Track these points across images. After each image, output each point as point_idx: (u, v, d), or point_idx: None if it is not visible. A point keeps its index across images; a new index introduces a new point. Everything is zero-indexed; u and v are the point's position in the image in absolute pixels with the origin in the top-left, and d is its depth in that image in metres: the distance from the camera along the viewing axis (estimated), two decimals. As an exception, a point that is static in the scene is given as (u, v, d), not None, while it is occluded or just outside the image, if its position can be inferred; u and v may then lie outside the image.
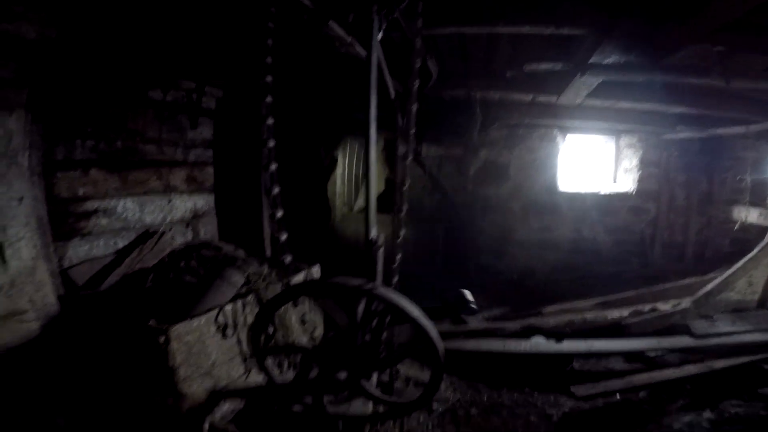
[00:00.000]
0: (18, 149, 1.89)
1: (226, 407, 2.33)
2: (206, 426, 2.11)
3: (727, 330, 2.94)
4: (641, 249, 4.69)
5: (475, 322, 4.26)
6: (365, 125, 1.93)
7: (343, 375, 2.21)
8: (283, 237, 1.85)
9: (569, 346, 3.34)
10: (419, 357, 3.63)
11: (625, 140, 4.84)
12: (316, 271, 3.17)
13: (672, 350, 2.93)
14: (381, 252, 2.14)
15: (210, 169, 3.36)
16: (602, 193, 4.83)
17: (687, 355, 2.86)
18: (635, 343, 3.15)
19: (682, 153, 4.65)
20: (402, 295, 1.76)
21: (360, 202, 5.52)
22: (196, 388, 2.20)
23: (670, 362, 2.85)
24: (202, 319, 2.22)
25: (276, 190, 2.00)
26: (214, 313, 2.29)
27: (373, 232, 2.05)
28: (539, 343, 3.47)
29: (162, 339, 2.10)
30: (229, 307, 2.39)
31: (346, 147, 5.31)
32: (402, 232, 2.31)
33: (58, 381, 2.03)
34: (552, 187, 5.02)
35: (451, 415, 2.81)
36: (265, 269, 3.10)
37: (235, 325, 2.49)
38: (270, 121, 1.99)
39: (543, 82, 3.54)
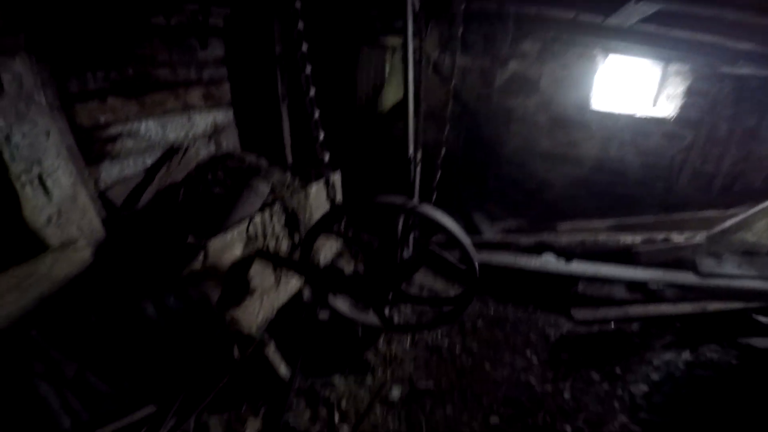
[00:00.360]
0: (32, 89, 1.86)
1: (260, 318, 2.63)
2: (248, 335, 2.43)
3: (731, 273, 3.00)
4: (668, 174, 4.54)
5: (489, 234, 4.41)
6: (404, 45, 1.75)
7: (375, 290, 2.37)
8: (326, 157, 1.85)
9: (577, 267, 3.48)
10: (434, 267, 3.88)
11: (674, 67, 4.31)
12: (337, 178, 3.21)
13: (673, 285, 3.06)
14: (419, 169, 2.14)
15: (226, 85, 3.23)
16: (638, 115, 4.50)
17: (686, 292, 2.99)
18: (640, 272, 3.27)
19: (735, 87, 4.15)
20: (443, 213, 1.78)
21: (379, 109, 5.32)
22: (232, 300, 2.44)
23: (668, 297, 3.00)
24: (235, 231, 2.31)
25: (317, 114, 1.91)
26: (244, 224, 2.37)
27: (411, 150, 2.03)
28: (549, 262, 3.60)
29: (201, 255, 2.29)
30: (258, 218, 2.45)
31: (364, 56, 4.90)
32: (443, 151, 2.23)
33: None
34: (584, 104, 4.71)
35: (459, 325, 3.11)
36: (288, 177, 3.16)
37: (265, 235, 2.58)
38: (304, 47, 1.82)
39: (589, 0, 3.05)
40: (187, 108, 2.94)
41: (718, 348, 2.21)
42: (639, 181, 4.77)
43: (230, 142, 3.38)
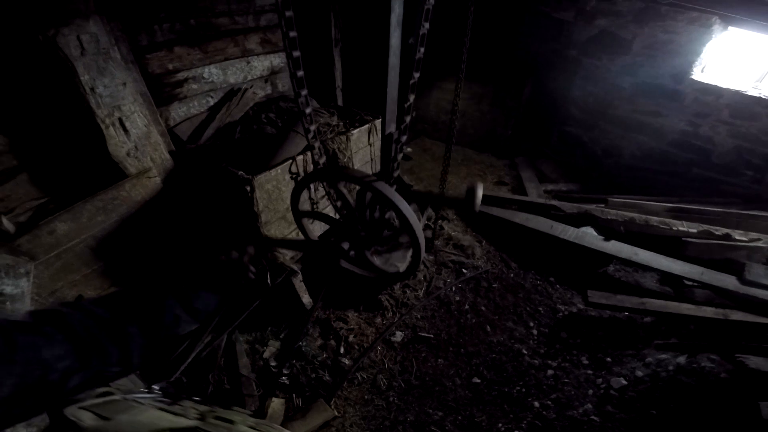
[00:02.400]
0: (107, 46, 2.18)
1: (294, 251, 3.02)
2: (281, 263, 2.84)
3: (778, 287, 2.73)
4: (765, 164, 3.90)
5: (534, 194, 4.33)
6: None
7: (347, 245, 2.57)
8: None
9: (613, 247, 3.38)
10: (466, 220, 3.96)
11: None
12: (378, 123, 3.36)
13: (708, 285, 2.88)
14: (395, 146, 2.22)
15: (283, 30, 3.34)
16: (748, 93, 3.78)
17: (719, 295, 2.81)
18: (678, 265, 3.11)
19: None
20: (396, 194, 1.79)
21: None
22: (274, 231, 2.84)
23: (696, 297, 2.85)
24: (279, 169, 2.64)
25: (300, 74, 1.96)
26: (288, 163, 2.69)
27: (392, 128, 2.08)
28: (585, 235, 3.52)
29: (248, 188, 2.65)
30: (300, 158, 2.75)
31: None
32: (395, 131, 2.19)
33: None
34: (681, 74, 4.07)
35: (474, 283, 3.28)
36: (335, 119, 3.35)
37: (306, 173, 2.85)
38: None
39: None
40: (246, 53, 3.16)
41: (715, 359, 2.15)
42: (725, 165, 4.18)
43: (286, 83, 3.59)
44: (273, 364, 2.49)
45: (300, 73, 1.74)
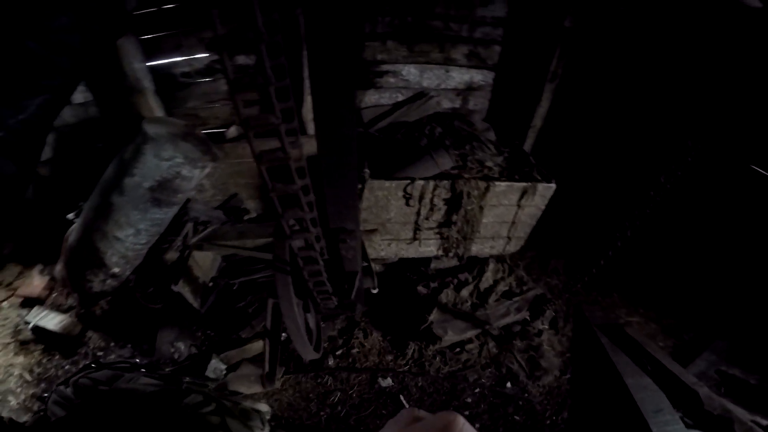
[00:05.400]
0: None
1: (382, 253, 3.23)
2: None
3: None
4: None
5: (696, 368, 2.83)
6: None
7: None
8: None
9: None
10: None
11: None
12: (543, 187, 2.88)
13: None
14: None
15: (496, 47, 3.08)
16: None
17: None
18: None
19: None
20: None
21: None
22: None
23: None
24: (394, 183, 2.78)
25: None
26: (405, 183, 2.78)
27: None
28: None
29: (360, 186, 2.81)
30: (420, 183, 2.76)
31: None
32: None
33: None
34: None
35: (503, 400, 2.64)
36: (498, 161, 3.06)
37: (421, 199, 2.89)
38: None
39: None
40: (447, 62, 3.19)
41: None
42: None
43: (479, 103, 3.40)
44: (287, 325, 3.04)
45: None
